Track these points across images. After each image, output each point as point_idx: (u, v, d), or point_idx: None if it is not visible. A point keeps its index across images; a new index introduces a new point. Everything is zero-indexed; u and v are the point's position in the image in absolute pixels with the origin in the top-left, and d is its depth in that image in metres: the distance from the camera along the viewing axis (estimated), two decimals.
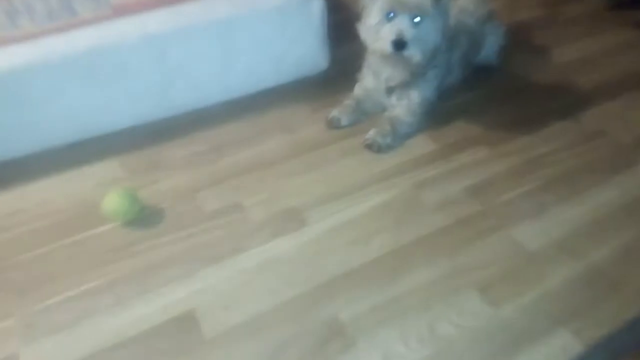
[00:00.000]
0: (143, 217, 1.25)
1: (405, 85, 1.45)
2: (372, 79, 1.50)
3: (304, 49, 1.55)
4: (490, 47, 1.68)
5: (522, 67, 1.78)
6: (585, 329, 1.02)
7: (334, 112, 1.51)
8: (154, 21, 1.35)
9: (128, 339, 1.02)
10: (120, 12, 1.36)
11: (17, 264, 1.15)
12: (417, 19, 1.27)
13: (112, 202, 1.20)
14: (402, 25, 1.26)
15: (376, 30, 1.31)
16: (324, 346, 1.01)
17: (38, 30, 1.30)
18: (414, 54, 1.30)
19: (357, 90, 1.56)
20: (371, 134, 1.45)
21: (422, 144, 1.47)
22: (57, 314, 1.06)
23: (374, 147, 1.43)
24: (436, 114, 1.53)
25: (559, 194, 1.32)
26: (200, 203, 1.30)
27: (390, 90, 1.48)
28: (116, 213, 1.21)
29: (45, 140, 1.38)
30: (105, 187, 1.29)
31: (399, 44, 1.27)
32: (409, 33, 1.26)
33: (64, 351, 1.00)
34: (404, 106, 1.47)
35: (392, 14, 1.27)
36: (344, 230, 1.23)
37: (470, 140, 1.48)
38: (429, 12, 1.27)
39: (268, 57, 1.52)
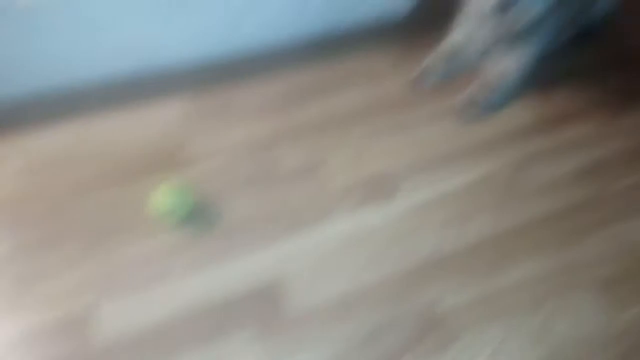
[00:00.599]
0: (217, 168, 1.12)
1: (505, 47, 1.25)
2: (466, 34, 1.30)
3: None
4: (602, 9, 1.45)
5: (636, 34, 1.55)
6: None
7: (423, 68, 1.33)
8: None
9: (208, 305, 0.92)
10: None
11: (83, 209, 1.05)
12: None
13: (162, 201, 1.01)
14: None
15: None
16: (422, 339, 0.91)
17: None
18: (518, 18, 1.10)
19: (447, 45, 1.36)
20: (468, 93, 1.27)
21: (523, 114, 1.29)
22: (129, 274, 0.97)
23: (472, 107, 1.26)
24: (538, 81, 1.34)
25: None
26: (277, 158, 1.16)
27: (486, 50, 1.29)
28: (167, 213, 1.01)
29: (104, 70, 1.23)
30: (171, 132, 1.16)
31: (504, 5, 1.08)
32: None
33: (142, 311, 0.91)
34: (502, 68, 1.28)
35: None
36: (438, 206, 1.10)
37: (578, 112, 1.30)
38: None
39: None
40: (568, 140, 1.24)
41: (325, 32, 1.41)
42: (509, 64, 1.28)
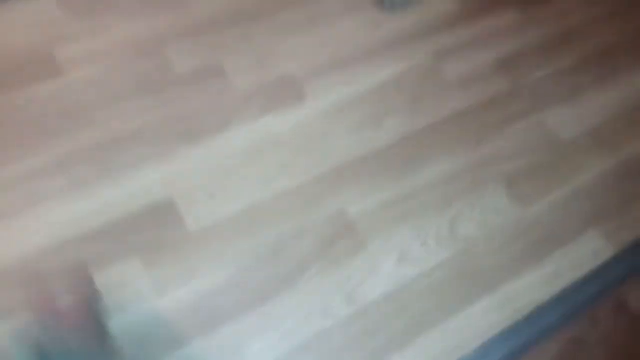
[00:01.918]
0: (98, 74, 0.97)
1: None
2: None
3: None
4: None
5: None
6: (617, 231, 0.93)
7: None
8: None
9: (93, 230, 0.82)
10: None
11: None
12: None
13: None
14: None
15: None
16: (331, 245, 0.87)
17: None
18: None
19: None
20: None
21: (441, 2, 1.20)
22: (2, 195, 0.84)
23: (386, 2, 1.15)
24: None
25: (595, 74, 1.14)
26: (169, 61, 1.02)
27: None
28: None
29: None
30: (41, 31, 0.97)
31: None
32: None
33: (10, 244, 0.80)
34: None
35: None
36: (350, 108, 1.02)
37: (496, 4, 1.22)
38: None
39: None
40: (488, 31, 1.17)
41: None
42: None
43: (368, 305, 0.82)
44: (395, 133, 1.00)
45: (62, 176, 0.87)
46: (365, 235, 0.88)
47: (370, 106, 1.02)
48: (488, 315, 0.83)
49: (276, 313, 0.80)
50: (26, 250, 0.80)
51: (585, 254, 0.90)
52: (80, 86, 0.96)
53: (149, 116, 0.95)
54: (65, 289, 0.66)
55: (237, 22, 1.09)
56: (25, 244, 0.81)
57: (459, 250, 0.89)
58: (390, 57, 1.08)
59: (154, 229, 0.84)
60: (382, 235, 0.88)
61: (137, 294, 0.79)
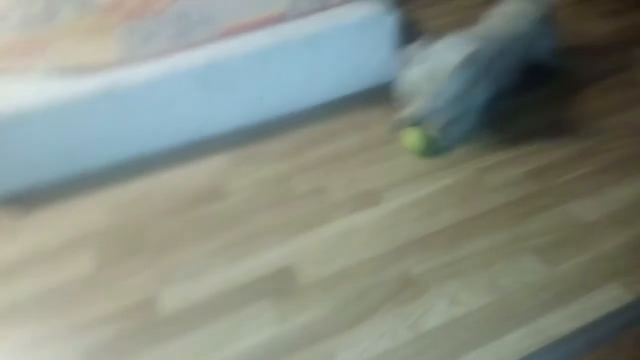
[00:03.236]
0: (249, 198, 1.53)
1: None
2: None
3: (379, 59, 1.80)
4: (546, 48, 1.81)
5: (583, 68, 1.91)
6: (635, 282, 1.14)
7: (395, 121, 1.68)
8: (257, 40, 1.66)
9: (242, 284, 1.28)
10: (229, 33, 1.69)
11: (149, 232, 1.47)
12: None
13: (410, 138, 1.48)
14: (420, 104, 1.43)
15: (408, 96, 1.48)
16: (398, 294, 1.21)
17: (167, 48, 1.65)
18: (432, 125, 1.46)
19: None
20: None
21: (482, 139, 1.64)
22: (185, 268, 1.35)
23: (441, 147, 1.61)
24: (499, 113, 1.71)
25: (614, 176, 1.44)
26: (292, 186, 1.56)
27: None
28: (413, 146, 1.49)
29: (168, 138, 1.72)
30: (217, 176, 1.60)
31: (415, 122, 1.46)
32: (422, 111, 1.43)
33: (191, 293, 1.28)
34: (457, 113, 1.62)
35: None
36: (414, 206, 1.44)
37: (530, 133, 1.64)
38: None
39: (348, 66, 1.79)
40: (521, 152, 1.57)
41: (330, 98, 1.87)
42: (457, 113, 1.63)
43: (425, 332, 1.12)
44: (448, 220, 1.37)
45: (225, 255, 1.37)
46: (423, 287, 1.21)
47: (429, 204, 1.43)
48: (521, 341, 1.07)
49: (359, 335, 1.13)
50: (199, 298, 1.27)
51: (606, 299, 1.12)
52: (239, 203, 1.52)
53: (279, 218, 1.46)
54: None
55: (336, 160, 1.64)
56: (200, 294, 1.28)
57: (498, 297, 1.16)
58: (443, 174, 1.52)
59: (278, 283, 1.27)
60: (437, 287, 1.21)
61: (267, 321, 1.19)
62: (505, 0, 1.73)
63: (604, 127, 1.62)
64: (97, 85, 1.52)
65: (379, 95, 1.87)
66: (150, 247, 1.42)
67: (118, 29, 1.66)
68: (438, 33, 1.57)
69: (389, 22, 1.73)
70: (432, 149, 1.48)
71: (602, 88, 1.80)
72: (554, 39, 1.85)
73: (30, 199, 1.60)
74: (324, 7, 1.71)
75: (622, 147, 1.54)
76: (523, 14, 1.73)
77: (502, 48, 1.66)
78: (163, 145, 1.72)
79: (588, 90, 1.80)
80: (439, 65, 1.41)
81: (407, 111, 1.68)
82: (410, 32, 1.82)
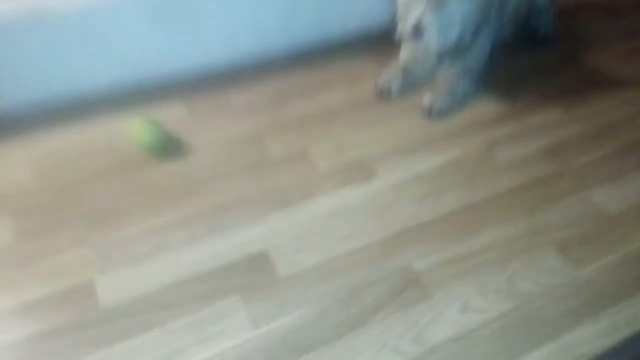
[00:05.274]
0: (212, 157, 1.24)
1: (449, 59, 1.37)
2: (409, 53, 1.40)
3: (368, 1, 1.50)
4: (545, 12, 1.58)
5: (593, 32, 1.70)
6: None
7: (382, 80, 1.43)
8: None
9: (204, 272, 1.02)
10: None
11: (87, 196, 1.16)
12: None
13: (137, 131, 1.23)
14: (421, 8, 1.19)
15: (406, 9, 1.24)
16: (399, 294, 0.99)
17: None
18: (431, 41, 1.23)
19: (398, 63, 1.45)
20: (428, 97, 1.39)
21: (488, 106, 1.42)
22: (131, 246, 1.06)
23: (432, 112, 1.37)
24: (499, 76, 1.48)
25: (636, 160, 1.27)
26: (266, 149, 1.28)
27: (434, 64, 1.41)
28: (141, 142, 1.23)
29: (112, 78, 1.37)
30: (172, 128, 1.28)
31: (415, 32, 1.23)
32: (427, 18, 1.20)
33: (140, 281, 1.00)
34: (458, 69, 1.39)
35: None
36: (413, 184, 1.21)
37: (541, 102, 1.43)
38: None
39: (332, 6, 1.48)
40: (533, 126, 1.36)
41: (311, 43, 1.56)
42: (458, 71, 1.39)
43: (434, 346, 0.92)
44: (453, 204, 1.16)
45: (183, 232, 1.09)
46: (429, 287, 1.00)
47: (431, 183, 1.20)
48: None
49: (353, 347, 0.92)
50: (150, 288, 1.00)
51: (638, 311, 0.96)
52: (199, 166, 1.22)
53: (250, 188, 1.18)
54: None
55: (319, 120, 1.36)
56: (151, 283, 1.00)
57: (518, 303, 0.98)
58: (446, 146, 1.29)
59: (251, 274, 1.02)
60: (445, 288, 1.00)
61: (237, 325, 0.94)
62: None
63: (626, 99, 1.43)
64: (22, 8, 1.16)
65: (370, 42, 1.58)
66: (86, 216, 1.11)
67: None
68: None
69: None
70: (165, 145, 1.24)
71: (622, 53, 1.61)
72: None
73: None
74: None
75: None
76: None
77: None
78: (105, 88, 1.37)
79: (606, 55, 1.60)
80: None
81: (406, 51, 1.42)
82: None
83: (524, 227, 1.11)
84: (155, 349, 0.91)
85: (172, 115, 1.35)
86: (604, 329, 0.94)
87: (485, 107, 1.41)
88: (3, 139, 1.27)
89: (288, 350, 0.91)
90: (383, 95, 1.43)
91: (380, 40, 1.58)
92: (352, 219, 1.13)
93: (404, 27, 1.26)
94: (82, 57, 1.29)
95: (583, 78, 1.52)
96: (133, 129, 1.23)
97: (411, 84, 1.46)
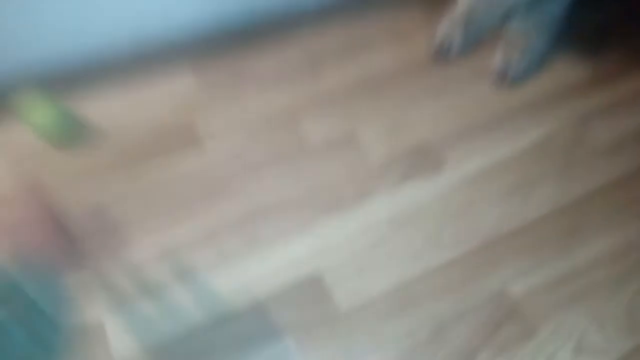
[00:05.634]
0: (237, 146, 0.98)
1: (525, 7, 1.09)
2: None
3: None
4: None
5: None
6: None
7: (440, 34, 1.14)
8: None
9: (243, 307, 0.79)
10: None
11: (87, 199, 0.90)
12: None
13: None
14: None
15: None
16: (496, 330, 0.78)
17: None
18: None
19: (459, 10, 1.15)
20: (500, 57, 1.11)
21: (568, 70, 1.15)
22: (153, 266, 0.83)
23: (507, 77, 1.10)
24: (582, 28, 1.19)
25: None
26: (302, 133, 1.02)
27: (505, 13, 1.12)
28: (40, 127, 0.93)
29: (100, 42, 1.07)
30: (182, 108, 1.01)
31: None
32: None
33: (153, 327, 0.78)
34: (536, 20, 1.11)
35: None
36: (493, 176, 0.96)
37: (632, 65, 1.16)
38: None
39: None
40: (627, 95, 1.10)
41: None
42: (532, 25, 1.11)
43: None
44: (546, 203, 0.92)
45: (210, 249, 0.85)
46: (533, 320, 0.79)
47: (515, 174, 0.96)
48: None
49: None
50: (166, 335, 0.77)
51: None
52: (221, 158, 0.96)
53: (288, 188, 0.93)
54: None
55: (364, 91, 1.08)
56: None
57: None
58: (528, 123, 1.03)
59: (302, 306, 0.80)
60: (552, 320, 0.79)
61: None
62: None
63: None
64: None
65: None
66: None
67: None
68: None
69: None
70: (71, 131, 0.95)
71: None
72: None
73: None
74: None
75: None
76: None
77: None
78: (93, 55, 1.07)
79: None
80: None
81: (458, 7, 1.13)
82: None
83: (632, 234, 0.89)
84: None
85: (177, 91, 1.07)
86: None
87: (566, 71, 1.14)
88: None
89: None
90: (441, 55, 1.15)
91: None
92: (423, 227, 0.89)
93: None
94: (63, 14, 0.98)
95: None
96: (24, 107, 0.93)
97: (474, 40, 1.17)
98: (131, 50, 1.09)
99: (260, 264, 0.84)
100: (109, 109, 1.02)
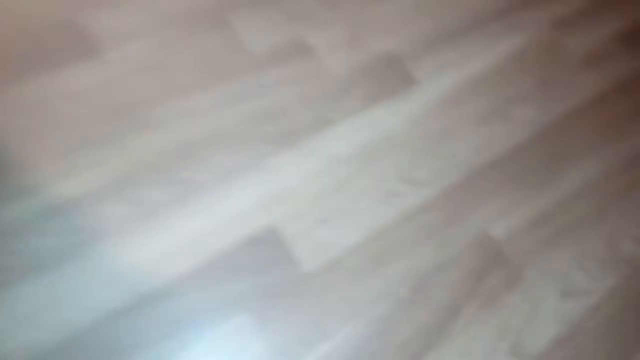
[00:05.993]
0: (147, 55, 0.72)
1: None
2: None
3: None
4: None
5: None
6: None
7: None
8: None
9: (179, 276, 0.61)
10: None
11: None
12: None
13: None
14: None
15: None
16: (481, 280, 0.69)
17: None
18: None
19: None
20: None
21: None
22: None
23: None
24: None
25: None
26: (239, 36, 0.77)
27: None
28: None
29: None
30: (61, 5, 0.70)
31: None
32: None
33: None
34: None
35: None
36: (470, 94, 0.82)
37: None
38: None
39: None
40: (603, 1, 0.98)
41: None
42: None
43: (537, 357, 0.66)
44: (527, 125, 0.81)
45: (122, 202, 0.63)
46: (518, 264, 0.71)
47: (493, 91, 0.82)
48: None
49: None
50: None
51: None
52: (126, 72, 0.70)
53: (225, 114, 0.71)
54: None
55: None
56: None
57: (625, 274, 0.73)
58: (501, 30, 0.88)
59: (255, 270, 0.63)
60: (538, 263, 0.71)
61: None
62: None
63: None
64: None
65: None
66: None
67: None
68: None
69: None
70: None
71: None
72: None
73: None
74: None
75: None
76: None
77: None
78: None
79: None
80: None
81: None
82: None
83: (616, 156, 0.82)
84: None
85: None
86: None
87: None
88: None
89: None
90: None
91: None
92: (393, 159, 0.74)
93: None
94: None
95: None
96: None
97: None
98: None
99: (195, 219, 0.64)
100: None
